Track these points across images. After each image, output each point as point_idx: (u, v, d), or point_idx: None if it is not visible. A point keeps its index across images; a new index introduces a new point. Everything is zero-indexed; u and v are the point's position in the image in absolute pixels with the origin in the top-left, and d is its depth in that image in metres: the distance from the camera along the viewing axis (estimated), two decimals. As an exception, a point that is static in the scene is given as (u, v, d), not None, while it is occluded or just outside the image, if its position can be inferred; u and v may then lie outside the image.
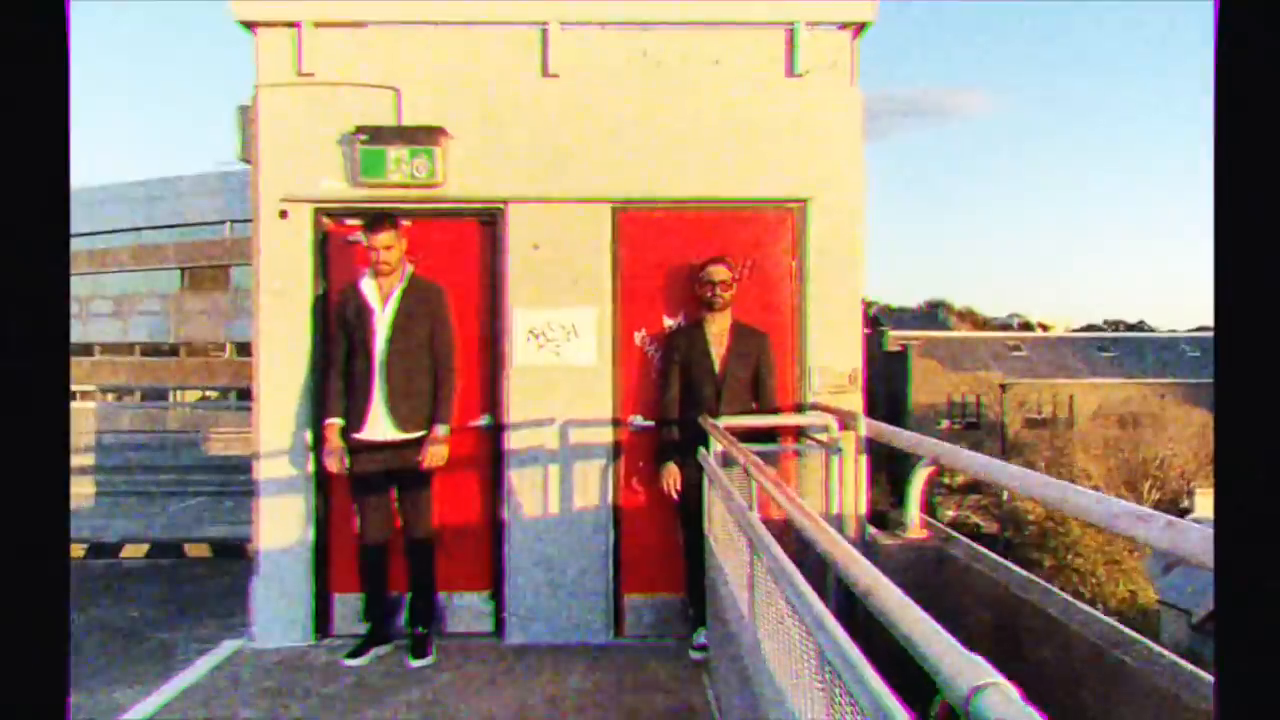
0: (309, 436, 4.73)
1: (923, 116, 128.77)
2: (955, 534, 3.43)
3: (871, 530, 3.83)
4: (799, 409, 4.74)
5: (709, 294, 4.56)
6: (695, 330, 4.64)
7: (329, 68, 4.76)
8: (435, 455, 4.42)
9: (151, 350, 36.16)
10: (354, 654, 4.47)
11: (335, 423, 4.44)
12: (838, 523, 3.96)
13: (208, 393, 34.67)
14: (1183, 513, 33.72)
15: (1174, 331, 53.92)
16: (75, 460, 7.79)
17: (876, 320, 63.67)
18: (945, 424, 44.67)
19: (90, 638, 5.00)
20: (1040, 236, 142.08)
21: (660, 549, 4.77)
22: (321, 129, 4.74)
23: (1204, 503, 34.76)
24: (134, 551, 6.82)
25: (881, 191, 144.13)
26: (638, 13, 4.79)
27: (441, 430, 4.44)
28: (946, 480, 37.64)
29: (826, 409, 4.43)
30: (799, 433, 4.61)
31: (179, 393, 33.45)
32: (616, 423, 4.82)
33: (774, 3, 4.77)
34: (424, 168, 4.66)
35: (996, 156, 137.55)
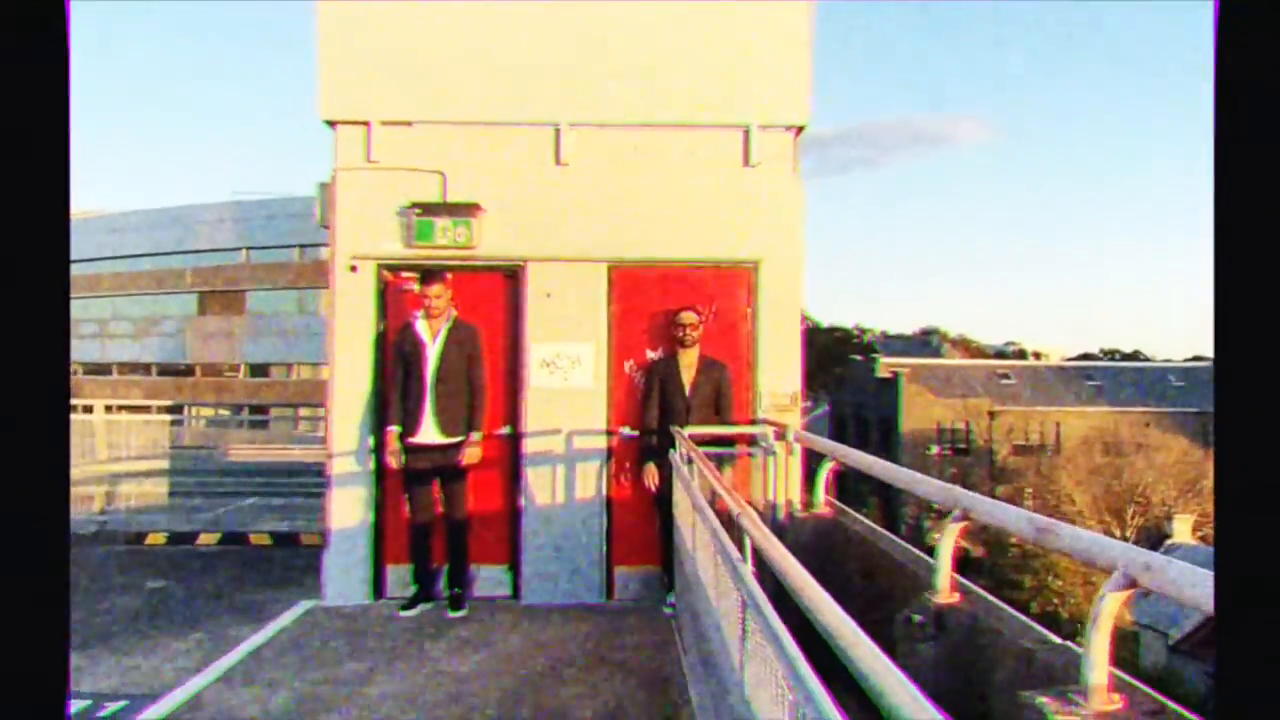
0: (371, 441, 6.09)
1: (920, 144, 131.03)
2: (849, 510, 4.80)
3: (796, 508, 5.20)
4: (751, 423, 6.11)
5: (681, 334, 5.96)
6: (671, 361, 6.03)
7: (391, 156, 6.19)
8: (471, 455, 5.80)
9: (168, 370, 37.55)
10: (406, 607, 5.82)
11: (394, 429, 5.82)
12: (773, 506, 5.33)
13: (220, 410, 36.05)
14: (1163, 538, 34.78)
15: (1169, 361, 54.86)
16: (154, 464, 9.16)
17: (870, 347, 64.92)
18: (935, 450, 45.26)
19: (200, 596, 6.35)
20: (1039, 263, 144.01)
21: (642, 531, 6.12)
22: (384, 203, 6.15)
23: (1182, 528, 35.69)
24: (208, 539, 8.18)
25: (879, 217, 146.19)
26: (629, 116, 6.23)
27: (476, 436, 5.82)
28: (937, 507, 38.73)
29: (770, 423, 5.81)
30: (752, 440, 5.97)
31: (194, 409, 34.81)
32: (609, 433, 6.19)
33: (733, 109, 6.21)
34: (463, 234, 6.08)
35: (995, 182, 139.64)
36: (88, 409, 9.58)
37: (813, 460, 5.67)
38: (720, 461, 5.62)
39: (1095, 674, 2.07)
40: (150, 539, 8.18)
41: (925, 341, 73.27)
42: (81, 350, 37.44)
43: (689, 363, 6.00)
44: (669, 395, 5.97)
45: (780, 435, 5.50)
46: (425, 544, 5.96)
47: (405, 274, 6.20)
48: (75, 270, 36.79)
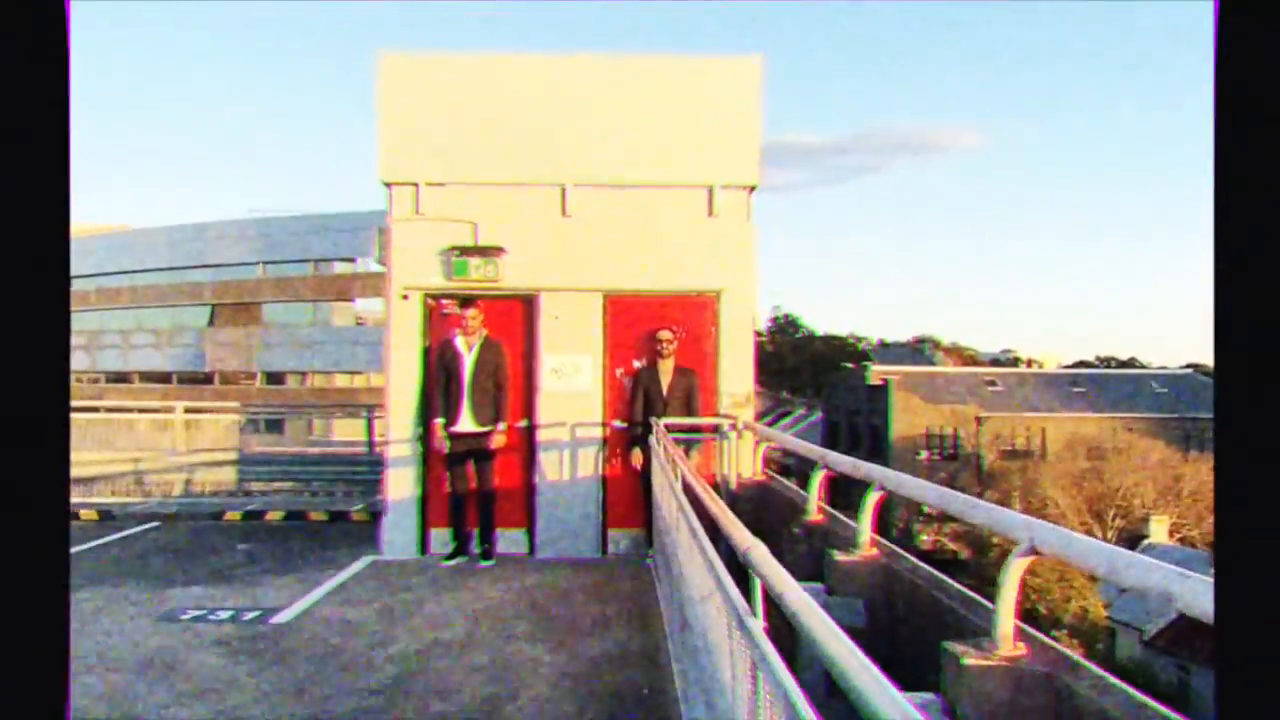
0: (419, 430, 7.83)
1: (916, 152, 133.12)
2: (778, 477, 6.53)
3: (745, 477, 6.95)
4: (715, 416, 7.85)
5: (660, 348, 7.72)
6: (652, 369, 7.78)
7: (435, 209, 7.95)
8: (498, 441, 7.55)
9: (188, 379, 39.23)
10: (448, 559, 7.56)
11: (439, 421, 7.56)
12: (726, 478, 7.07)
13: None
14: (1140, 539, 36.29)
15: (1164, 368, 55.97)
16: (221, 456, 10.91)
17: (864, 355, 66.46)
18: (925, 455, 46.38)
19: (282, 554, 8.09)
20: (1036, 270, 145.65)
21: (630, 501, 7.86)
22: (429, 246, 7.91)
23: (1159, 529, 37.12)
24: (274, 516, 9.93)
25: (878, 223, 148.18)
26: (619, 179, 7.99)
27: (502, 426, 7.56)
28: (926, 510, 40.13)
29: (727, 416, 7.56)
30: (716, 429, 7.70)
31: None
32: (604, 425, 7.94)
33: (700, 173, 7.97)
34: (490, 270, 7.83)
35: (993, 189, 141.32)
36: (169, 410, 11.30)
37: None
38: (690, 446, 7.38)
39: (862, 537, 3.82)
40: (228, 516, 9.92)
41: (919, 349, 74.83)
42: (104, 360, 39.25)
43: (666, 370, 7.74)
44: (651, 396, 7.71)
45: (734, 426, 7.26)
46: (461, 511, 7.70)
47: (445, 301, 7.95)
48: (98, 283, 38.62)
